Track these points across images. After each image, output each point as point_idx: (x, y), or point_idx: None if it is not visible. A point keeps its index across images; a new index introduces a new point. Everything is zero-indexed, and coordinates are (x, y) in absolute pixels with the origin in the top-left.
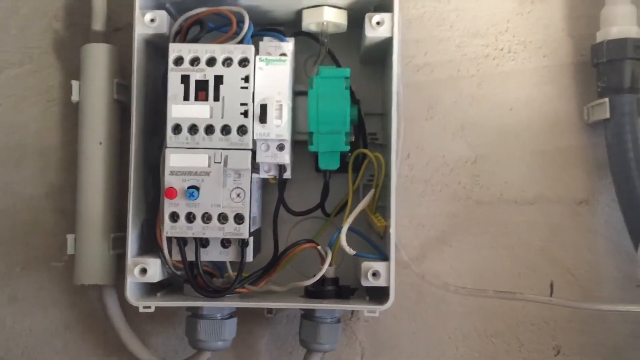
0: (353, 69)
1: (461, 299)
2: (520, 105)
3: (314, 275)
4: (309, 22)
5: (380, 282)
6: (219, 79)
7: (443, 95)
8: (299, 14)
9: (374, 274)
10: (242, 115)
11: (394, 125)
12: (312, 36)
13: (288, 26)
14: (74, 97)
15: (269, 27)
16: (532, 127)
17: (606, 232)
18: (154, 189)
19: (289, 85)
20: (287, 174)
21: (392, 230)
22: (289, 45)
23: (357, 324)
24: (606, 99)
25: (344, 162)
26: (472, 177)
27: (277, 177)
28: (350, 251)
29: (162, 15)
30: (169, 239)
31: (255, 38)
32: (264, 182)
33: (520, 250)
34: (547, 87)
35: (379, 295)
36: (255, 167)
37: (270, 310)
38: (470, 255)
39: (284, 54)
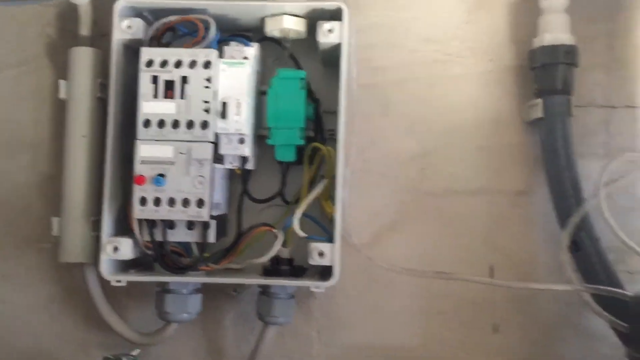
0: (315, 70)
1: (408, 281)
2: (467, 106)
3: (268, 254)
4: (272, 29)
5: (325, 262)
6: (184, 80)
7: (397, 95)
8: (263, 22)
9: (320, 254)
10: (205, 112)
11: (340, 121)
12: (277, 41)
13: (255, 32)
14: (61, 95)
15: (237, 32)
16: (477, 126)
17: (542, 222)
18: (130, 178)
19: (249, 85)
20: (250, 165)
21: (337, 215)
22: (251, 50)
23: (314, 302)
24: (540, 100)
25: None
26: (421, 171)
27: (240, 168)
28: (301, 233)
29: (138, 23)
30: (140, 221)
31: (223, 43)
32: (232, 173)
33: (464, 238)
34: (491, 89)
35: (328, 274)
36: (219, 159)
37: (235, 289)
38: (418, 241)
39: (245, 57)
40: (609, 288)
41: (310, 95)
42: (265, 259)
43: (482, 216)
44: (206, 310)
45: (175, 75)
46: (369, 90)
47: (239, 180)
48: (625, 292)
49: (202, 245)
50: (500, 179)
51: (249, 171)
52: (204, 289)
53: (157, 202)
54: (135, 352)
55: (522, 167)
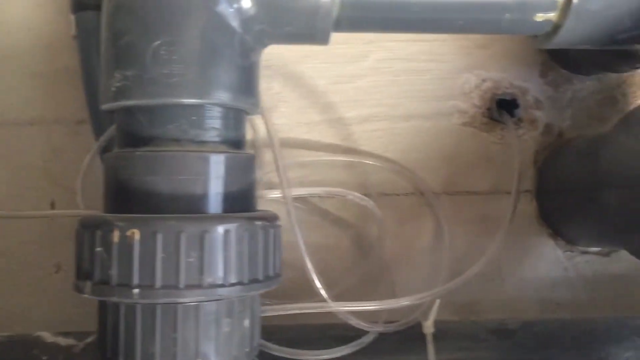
0: None
1: None
2: (18, 28)
3: None
4: None
5: None
6: None
7: None
8: None
9: None
10: None
11: None
12: None
13: None
14: None
15: None
16: (31, 50)
17: None
18: None
19: None
20: None
21: None
22: None
23: None
24: (73, 16)
25: None
26: None
27: None
28: None
29: None
30: None
31: None
32: None
33: (23, 171)
34: (45, 10)
35: None
36: None
37: None
38: None
39: None
40: None
41: None
42: None
43: (40, 148)
44: None
45: None
46: None
47: None
48: None
49: None
50: (57, 107)
51: None
52: None
53: None
54: None
55: (80, 93)
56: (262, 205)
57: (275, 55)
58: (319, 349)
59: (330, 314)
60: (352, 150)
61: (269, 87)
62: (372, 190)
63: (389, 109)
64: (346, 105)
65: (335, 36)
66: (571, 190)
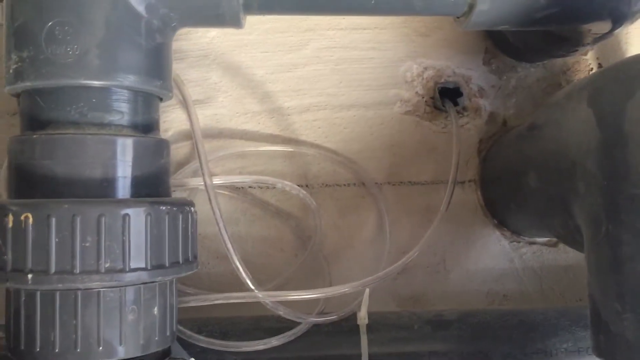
0: None
1: None
2: None
3: None
4: None
5: None
6: None
7: None
8: None
9: None
10: None
11: None
12: None
13: None
14: None
15: None
16: None
17: None
18: None
19: None
20: None
21: None
22: None
23: None
24: None
25: None
26: None
27: None
28: None
29: None
30: None
31: None
32: None
33: None
34: None
35: None
36: None
37: None
38: None
39: None
40: None
41: None
42: None
43: None
44: None
45: None
46: None
47: None
48: None
49: None
50: None
51: None
52: None
53: None
54: None
55: None
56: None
57: (213, 45)
58: (251, 340)
59: (264, 306)
60: (292, 141)
61: (206, 77)
62: (313, 181)
63: (329, 98)
64: (286, 95)
65: (274, 24)
66: (509, 179)
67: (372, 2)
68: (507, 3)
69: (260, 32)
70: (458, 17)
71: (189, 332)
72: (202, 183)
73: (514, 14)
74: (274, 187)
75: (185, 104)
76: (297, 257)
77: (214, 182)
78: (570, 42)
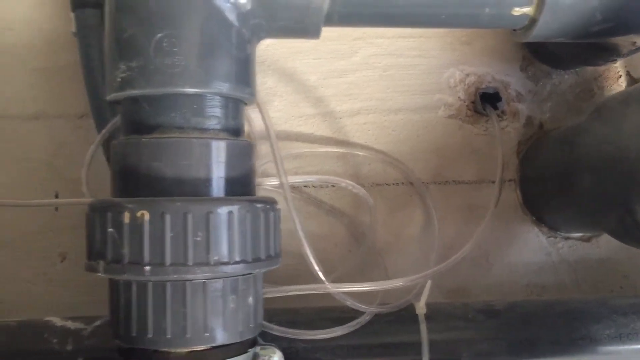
0: None
1: None
2: (21, 25)
3: None
4: None
5: None
6: None
7: None
8: None
9: None
10: None
11: None
12: None
13: None
14: None
15: None
16: (33, 46)
17: None
18: None
19: None
20: None
21: None
22: None
23: None
24: (73, 14)
25: None
26: None
27: None
28: None
29: None
30: None
31: None
32: None
33: (27, 164)
34: (46, 7)
35: None
36: None
37: None
38: None
39: None
40: None
41: None
42: None
43: (44, 142)
44: None
45: None
46: None
47: None
48: None
49: None
50: (60, 102)
51: None
52: None
53: None
54: None
55: (83, 88)
56: (260, 194)
57: (268, 52)
58: (318, 329)
59: (328, 298)
60: (344, 142)
61: (263, 82)
62: (364, 181)
63: (378, 102)
64: (337, 99)
65: (326, 33)
66: (551, 178)
67: (443, 16)
68: (566, 19)
69: (313, 41)
70: (515, 30)
71: (264, 322)
72: (276, 182)
73: (572, 28)
74: (327, 186)
75: (258, 108)
76: (351, 252)
77: (288, 182)
78: (611, 53)
